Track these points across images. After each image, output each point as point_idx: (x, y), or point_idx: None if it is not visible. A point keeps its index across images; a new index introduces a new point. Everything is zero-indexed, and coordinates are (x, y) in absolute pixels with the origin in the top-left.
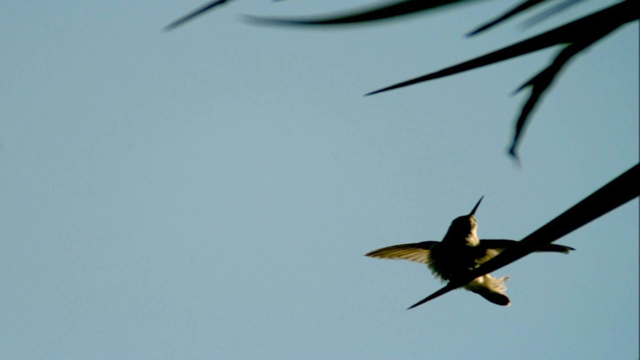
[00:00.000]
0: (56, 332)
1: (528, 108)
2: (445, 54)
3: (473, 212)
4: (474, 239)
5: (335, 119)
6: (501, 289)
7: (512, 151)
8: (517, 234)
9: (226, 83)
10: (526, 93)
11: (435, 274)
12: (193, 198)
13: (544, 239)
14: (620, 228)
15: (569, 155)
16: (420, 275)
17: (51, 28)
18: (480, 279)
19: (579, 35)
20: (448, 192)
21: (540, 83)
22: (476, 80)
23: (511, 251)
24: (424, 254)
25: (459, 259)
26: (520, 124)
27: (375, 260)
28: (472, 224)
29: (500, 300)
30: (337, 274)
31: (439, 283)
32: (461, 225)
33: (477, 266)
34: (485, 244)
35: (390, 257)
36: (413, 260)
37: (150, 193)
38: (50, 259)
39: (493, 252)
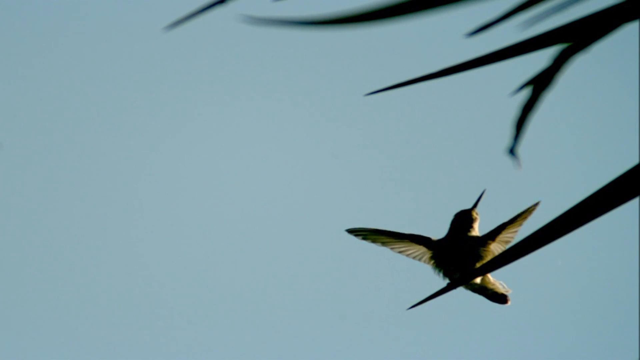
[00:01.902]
0: (56, 332)
1: (528, 108)
2: (445, 54)
3: (475, 205)
4: (477, 233)
5: (335, 119)
6: (500, 288)
7: (512, 151)
8: (517, 235)
9: (226, 83)
10: (526, 93)
11: (437, 270)
12: (193, 199)
13: (544, 239)
14: (620, 228)
15: (569, 155)
16: (420, 275)
17: (51, 28)
18: (478, 279)
19: (579, 35)
20: (448, 192)
21: (540, 83)
22: (476, 80)
23: (512, 250)
24: (414, 248)
25: (461, 254)
26: (520, 124)
27: (376, 259)
28: (474, 217)
29: (500, 299)
30: (337, 274)
31: (439, 281)
32: (463, 220)
33: (480, 261)
34: (487, 238)
35: (373, 241)
36: (400, 252)
37: (150, 193)
38: (50, 259)
39: (494, 248)
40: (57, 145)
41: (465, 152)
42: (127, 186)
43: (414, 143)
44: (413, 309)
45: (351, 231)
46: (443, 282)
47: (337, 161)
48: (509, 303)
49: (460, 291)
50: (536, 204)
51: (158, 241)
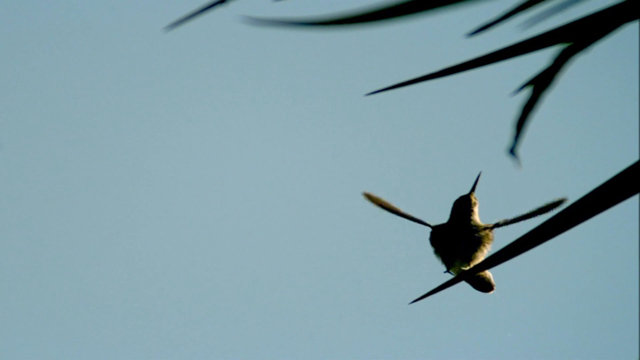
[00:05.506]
0: (56, 332)
1: (528, 108)
2: (445, 54)
3: (473, 189)
4: (477, 217)
5: (336, 119)
6: (488, 277)
7: (512, 151)
8: (517, 233)
9: (226, 83)
10: (526, 93)
11: (437, 255)
12: (193, 199)
13: (544, 237)
14: (620, 227)
15: (569, 155)
16: (422, 269)
17: (50, 27)
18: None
19: (579, 35)
20: (448, 192)
21: (540, 83)
22: (476, 80)
23: (511, 248)
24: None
25: (460, 238)
26: (520, 124)
27: (376, 255)
28: (473, 202)
29: (486, 287)
30: (337, 271)
31: (441, 270)
32: (463, 204)
33: (479, 246)
34: (490, 224)
35: (387, 211)
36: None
37: (149, 193)
38: (49, 259)
39: (492, 235)
40: (57, 146)
41: (466, 153)
42: (127, 186)
43: (414, 143)
44: (415, 303)
45: (368, 197)
46: (442, 268)
47: (337, 161)
48: (494, 291)
49: (460, 286)
50: (558, 202)
51: (158, 241)
